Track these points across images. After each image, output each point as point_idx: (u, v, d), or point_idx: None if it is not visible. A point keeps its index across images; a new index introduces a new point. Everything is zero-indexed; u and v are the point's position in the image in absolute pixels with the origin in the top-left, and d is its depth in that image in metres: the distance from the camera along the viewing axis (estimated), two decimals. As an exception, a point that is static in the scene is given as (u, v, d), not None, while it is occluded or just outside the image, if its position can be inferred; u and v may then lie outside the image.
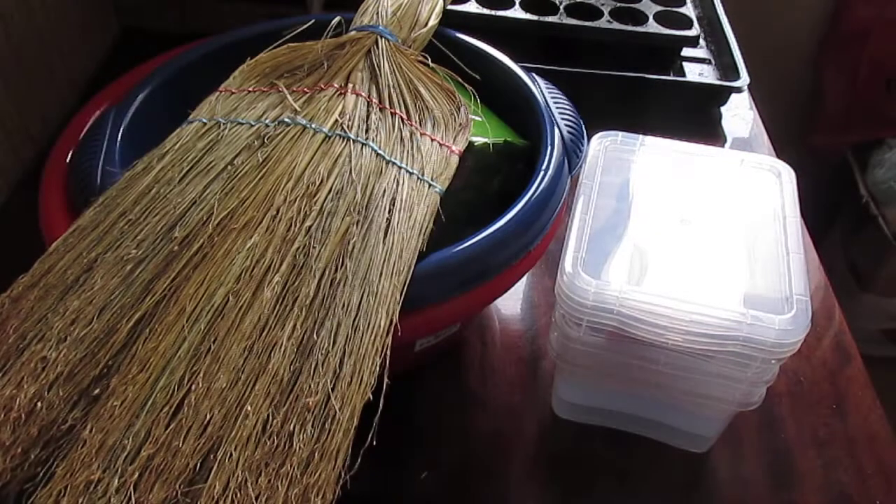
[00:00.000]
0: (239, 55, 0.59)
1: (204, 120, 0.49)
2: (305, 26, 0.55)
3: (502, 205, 0.47)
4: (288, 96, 0.49)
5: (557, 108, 0.56)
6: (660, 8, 0.80)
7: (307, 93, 0.50)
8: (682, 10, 0.80)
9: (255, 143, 0.46)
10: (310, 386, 0.37)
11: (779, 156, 0.72)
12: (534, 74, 0.59)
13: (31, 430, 0.36)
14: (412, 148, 0.48)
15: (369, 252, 0.41)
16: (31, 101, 0.68)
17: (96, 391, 0.37)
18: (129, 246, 0.41)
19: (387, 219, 0.43)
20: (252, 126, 0.47)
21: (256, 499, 0.33)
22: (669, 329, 0.44)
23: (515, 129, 0.55)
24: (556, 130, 0.53)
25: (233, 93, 0.51)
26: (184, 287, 0.40)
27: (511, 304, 0.62)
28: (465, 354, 0.57)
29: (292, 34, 0.54)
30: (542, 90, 0.57)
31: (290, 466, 0.34)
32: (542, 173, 0.49)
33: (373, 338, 0.39)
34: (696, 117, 0.79)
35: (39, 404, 0.36)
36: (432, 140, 0.49)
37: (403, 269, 0.42)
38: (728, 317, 0.44)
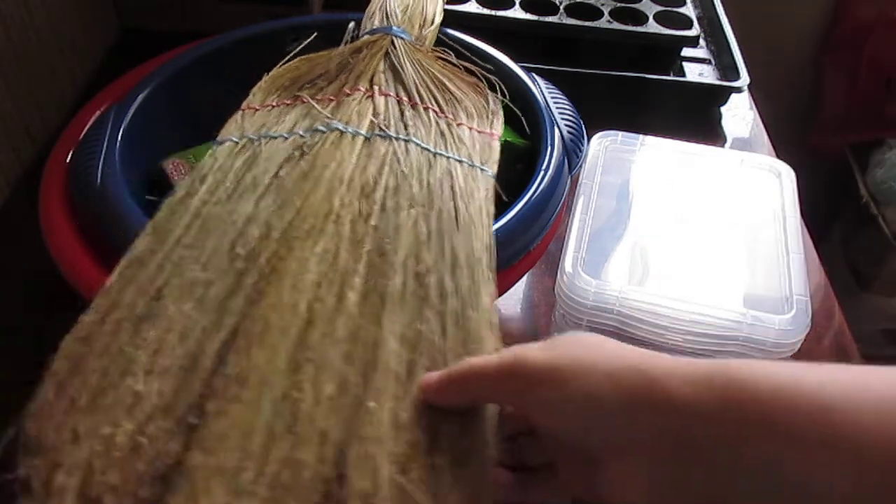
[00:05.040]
0: (239, 55, 0.59)
1: (235, 139, 0.48)
2: (310, 39, 0.54)
3: (502, 205, 0.47)
4: (315, 105, 0.49)
5: (557, 108, 0.56)
6: (660, 8, 0.80)
7: (333, 100, 0.50)
8: (682, 10, 0.80)
9: (296, 153, 0.46)
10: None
11: (779, 156, 0.72)
12: (534, 74, 0.59)
13: (137, 468, 0.34)
14: (454, 138, 0.48)
15: (448, 240, 0.41)
16: (31, 101, 0.68)
17: (197, 419, 0.35)
18: (194, 269, 0.40)
19: (454, 206, 0.43)
20: (286, 138, 0.47)
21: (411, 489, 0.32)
22: (669, 329, 0.44)
23: (515, 129, 0.55)
24: (556, 130, 0.53)
25: (257, 109, 0.51)
26: (261, 302, 0.39)
27: (511, 304, 0.62)
28: (465, 354, 0.57)
29: (298, 42, 0.54)
30: (542, 90, 0.57)
31: (442, 459, 0.33)
32: (542, 173, 0.49)
33: (484, 320, 0.38)
34: (696, 117, 0.79)
35: (141, 439, 0.34)
36: (470, 129, 0.49)
37: (487, 250, 0.41)
38: (728, 317, 0.44)
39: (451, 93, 0.51)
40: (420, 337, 0.37)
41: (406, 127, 0.48)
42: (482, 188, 0.45)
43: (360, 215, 0.42)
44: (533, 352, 0.32)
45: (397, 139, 0.46)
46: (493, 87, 0.54)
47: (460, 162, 0.46)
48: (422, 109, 0.49)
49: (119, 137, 0.50)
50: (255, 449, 0.34)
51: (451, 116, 0.50)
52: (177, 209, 0.44)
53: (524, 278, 0.60)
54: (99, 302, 0.39)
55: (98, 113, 0.54)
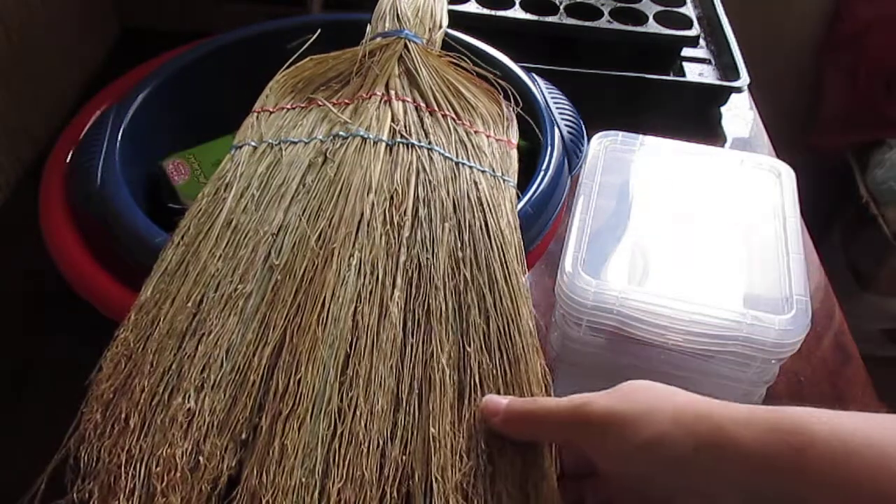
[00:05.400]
0: (239, 55, 0.59)
1: (253, 143, 0.48)
2: (312, 39, 0.54)
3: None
4: (333, 109, 0.49)
5: (557, 108, 0.56)
6: (660, 8, 0.80)
7: (349, 104, 0.50)
8: (682, 10, 0.80)
9: (319, 159, 0.46)
10: (483, 397, 0.36)
11: (779, 156, 0.72)
12: (534, 74, 0.59)
13: (198, 487, 0.34)
14: (474, 147, 0.48)
15: (483, 255, 0.41)
16: (31, 101, 0.68)
17: (251, 435, 0.35)
18: (232, 282, 0.40)
19: (483, 219, 0.43)
20: (307, 143, 0.47)
21: None
22: (669, 329, 0.44)
23: (515, 129, 0.55)
24: (556, 130, 0.53)
25: (271, 112, 0.51)
26: (302, 315, 0.38)
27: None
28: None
29: (301, 41, 0.54)
30: (542, 90, 0.57)
31: (505, 484, 0.34)
32: (542, 173, 0.49)
33: (528, 343, 0.38)
34: (696, 117, 0.79)
35: (200, 459, 0.34)
36: (488, 137, 0.49)
37: (519, 265, 0.41)
38: (728, 317, 0.44)
39: (465, 99, 0.51)
40: (468, 358, 0.37)
41: (427, 135, 0.48)
42: (507, 199, 0.45)
43: (393, 226, 0.42)
44: (597, 398, 0.33)
45: (420, 147, 0.46)
46: (505, 94, 0.54)
47: (483, 172, 0.46)
48: (440, 116, 0.49)
49: (119, 137, 0.50)
50: (315, 466, 0.33)
51: (468, 124, 0.49)
52: (204, 219, 0.43)
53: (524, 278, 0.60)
54: (136, 318, 0.39)
55: (98, 113, 0.54)
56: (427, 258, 0.40)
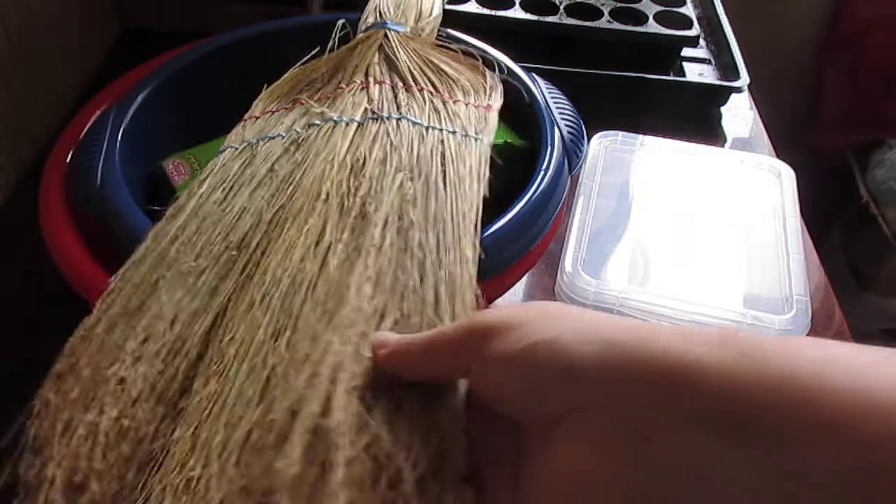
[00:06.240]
0: (239, 55, 0.59)
1: (235, 146, 0.49)
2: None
3: (502, 205, 0.47)
4: (312, 103, 0.50)
5: (557, 108, 0.56)
6: (660, 8, 0.80)
7: (330, 97, 0.50)
8: (682, 10, 0.80)
9: (291, 147, 0.46)
10: (409, 315, 0.34)
11: (779, 156, 0.72)
12: (534, 74, 0.59)
13: (122, 451, 0.34)
14: (448, 113, 0.48)
15: (433, 199, 0.41)
16: (31, 101, 0.68)
17: (182, 400, 0.36)
18: (187, 261, 0.40)
19: (441, 170, 0.43)
20: (283, 136, 0.48)
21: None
22: (669, 329, 0.44)
23: (515, 130, 0.55)
24: (556, 130, 0.53)
25: (258, 118, 0.51)
26: (249, 283, 0.39)
27: (511, 304, 0.62)
28: (465, 354, 0.57)
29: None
30: (542, 90, 0.57)
31: (409, 402, 0.31)
32: (542, 173, 0.49)
33: (463, 268, 0.38)
34: (696, 117, 0.79)
35: (126, 422, 0.34)
36: (466, 104, 0.49)
37: (472, 208, 0.41)
38: (728, 317, 0.44)
39: (446, 74, 0.51)
40: (397, 283, 0.36)
41: (399, 108, 0.48)
42: (473, 153, 0.45)
43: (350, 191, 0.42)
44: (496, 309, 0.29)
45: (390, 118, 0.46)
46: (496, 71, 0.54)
47: (453, 133, 0.46)
48: (416, 91, 0.49)
49: (119, 137, 0.50)
50: (233, 418, 0.33)
51: (446, 95, 0.50)
52: (176, 213, 0.44)
53: (524, 278, 0.60)
54: (100, 304, 0.40)
55: (98, 113, 0.54)
56: (371, 206, 0.40)
